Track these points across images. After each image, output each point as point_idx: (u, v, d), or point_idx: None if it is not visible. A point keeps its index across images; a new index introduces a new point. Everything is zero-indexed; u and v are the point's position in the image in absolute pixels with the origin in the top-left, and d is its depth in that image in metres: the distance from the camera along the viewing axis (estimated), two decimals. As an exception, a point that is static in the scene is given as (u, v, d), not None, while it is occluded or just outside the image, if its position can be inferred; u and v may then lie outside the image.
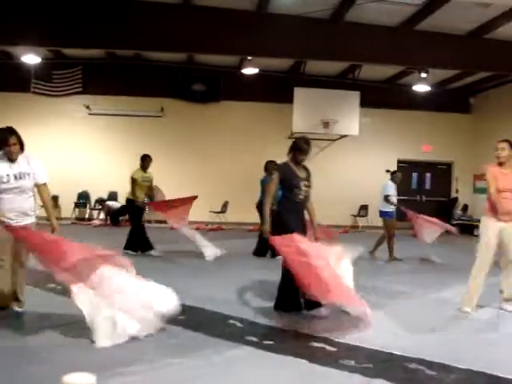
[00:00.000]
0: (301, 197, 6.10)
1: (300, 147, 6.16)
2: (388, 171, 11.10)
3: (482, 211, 6.69)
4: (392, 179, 10.81)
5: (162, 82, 17.28)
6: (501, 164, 6.48)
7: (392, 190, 10.65)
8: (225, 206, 16.47)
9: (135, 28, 11.65)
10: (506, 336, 5.55)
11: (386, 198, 10.52)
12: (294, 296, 5.89)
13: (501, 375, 4.27)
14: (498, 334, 5.63)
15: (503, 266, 6.39)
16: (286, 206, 6.16)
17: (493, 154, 6.61)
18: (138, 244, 10.18)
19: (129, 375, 4.04)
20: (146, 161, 10.31)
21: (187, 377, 4.13)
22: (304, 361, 4.46)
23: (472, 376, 4.28)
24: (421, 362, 4.51)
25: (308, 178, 6.22)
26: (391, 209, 10.64)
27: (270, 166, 9.70)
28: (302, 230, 6.03)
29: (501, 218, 6.28)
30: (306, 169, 6.30)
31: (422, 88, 15.80)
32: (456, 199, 18.45)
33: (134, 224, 10.39)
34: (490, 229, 6.34)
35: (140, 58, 16.70)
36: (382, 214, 10.76)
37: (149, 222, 16.95)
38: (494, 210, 6.33)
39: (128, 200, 10.46)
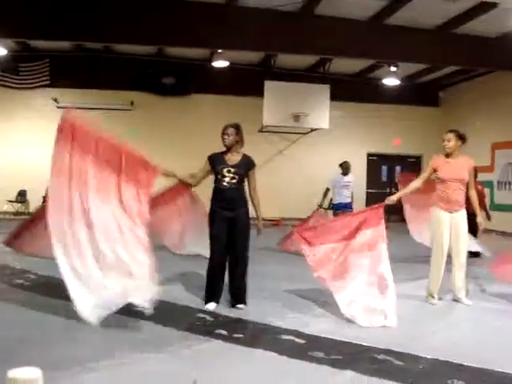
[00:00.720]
0: (224, 183, 5.94)
1: (222, 132, 6.10)
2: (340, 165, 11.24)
3: (432, 202, 6.81)
4: (342, 171, 11.03)
5: (132, 75, 17.10)
6: (448, 155, 6.61)
7: (338, 181, 10.92)
8: (195, 199, 16.43)
9: (104, 20, 11.50)
10: (471, 325, 5.63)
11: (326, 190, 10.94)
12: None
13: (465, 363, 4.34)
14: (464, 323, 5.71)
15: (454, 256, 6.50)
16: (213, 195, 6.08)
17: (460, 146, 6.72)
18: None
19: (99, 370, 4.00)
20: None
21: (157, 371, 4.11)
22: (273, 353, 4.46)
23: (438, 365, 4.34)
24: (389, 352, 4.56)
25: (239, 166, 6.01)
26: (347, 200, 10.88)
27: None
28: (230, 220, 5.94)
29: (448, 207, 6.47)
30: (245, 157, 6.13)
31: (391, 82, 15.95)
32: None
33: None
34: (441, 218, 6.49)
35: (109, 51, 16.50)
36: (342, 206, 10.89)
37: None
38: (443, 200, 6.49)
39: None
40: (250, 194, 6.19)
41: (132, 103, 17.41)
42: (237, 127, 6.12)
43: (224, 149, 6.09)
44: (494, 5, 10.63)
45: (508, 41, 13.10)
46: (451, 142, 6.59)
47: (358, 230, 5.99)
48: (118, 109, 17.25)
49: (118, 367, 4.11)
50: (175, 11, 11.81)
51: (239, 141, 6.12)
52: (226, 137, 6.03)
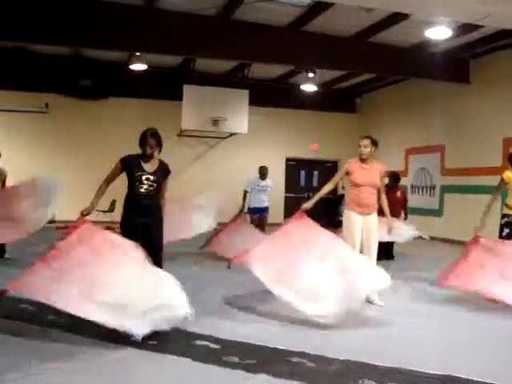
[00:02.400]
0: (142, 190, 5.89)
1: (141, 139, 6.02)
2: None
3: (345, 205, 6.99)
4: (260, 175, 11.27)
5: (46, 76, 16.53)
6: (363, 160, 6.80)
7: (256, 184, 11.14)
8: (112, 204, 16.07)
9: (17, 18, 11.08)
10: (383, 326, 5.75)
11: (244, 192, 11.15)
12: None
13: (377, 363, 4.44)
14: (376, 324, 5.83)
15: (366, 254, 6.67)
16: (127, 200, 6.04)
17: (374, 152, 6.90)
18: None
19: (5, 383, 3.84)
20: None
21: (66, 381, 3.98)
22: (186, 359, 4.43)
23: (351, 366, 4.42)
24: (303, 355, 4.61)
25: (157, 174, 5.99)
26: (264, 205, 11.14)
27: None
28: (144, 226, 5.90)
29: (360, 210, 6.71)
30: (162, 164, 6.10)
31: (309, 88, 16.20)
32: (343, 196, 18.96)
33: None
34: (353, 220, 6.70)
35: (21, 51, 15.91)
36: (259, 210, 11.02)
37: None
38: (356, 204, 6.68)
39: None
40: (159, 200, 6.14)
41: (47, 105, 16.89)
42: (158, 136, 6.05)
43: (139, 151, 6.00)
44: (406, 16, 10.97)
45: (421, 50, 13.60)
46: (367, 148, 6.78)
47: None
48: (31, 111, 16.67)
49: (25, 379, 3.96)
50: (93, 11, 11.50)
51: (159, 147, 6.08)
52: (148, 148, 5.96)
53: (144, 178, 5.88)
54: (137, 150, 6.06)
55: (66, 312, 4.67)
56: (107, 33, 11.71)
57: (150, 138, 5.97)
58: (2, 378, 3.93)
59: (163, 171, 6.08)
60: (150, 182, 5.91)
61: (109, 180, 6.06)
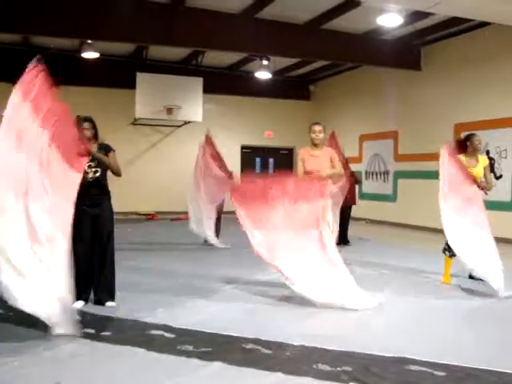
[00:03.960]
0: (88, 179, 5.70)
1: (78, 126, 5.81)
2: None
3: None
4: None
5: (-4, 64, 16.15)
6: (316, 145, 6.83)
7: None
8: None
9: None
10: (335, 311, 5.76)
11: None
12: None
13: (330, 348, 4.49)
14: (327, 310, 5.81)
15: None
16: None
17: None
18: None
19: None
20: None
21: (17, 375, 3.91)
22: (141, 349, 4.40)
23: (305, 351, 4.46)
24: (257, 341, 4.63)
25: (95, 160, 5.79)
26: None
27: None
28: (94, 217, 5.79)
29: None
30: (100, 146, 5.93)
31: (263, 75, 16.20)
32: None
33: None
34: None
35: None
36: None
37: None
38: None
39: None
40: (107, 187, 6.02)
41: (-4, 94, 16.48)
42: (91, 120, 5.97)
43: None
44: (359, 3, 11.02)
45: (373, 37, 13.72)
46: (322, 133, 6.81)
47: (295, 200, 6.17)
48: (-20, 101, 16.26)
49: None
50: (41, -1, 11.28)
51: (96, 133, 5.98)
52: (85, 131, 5.81)
53: (86, 166, 5.65)
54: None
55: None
56: (58, 20, 11.44)
57: (84, 123, 5.86)
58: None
59: (104, 151, 5.91)
60: (93, 169, 5.77)
61: None
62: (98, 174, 5.81)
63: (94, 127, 5.96)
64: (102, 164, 5.83)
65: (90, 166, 5.74)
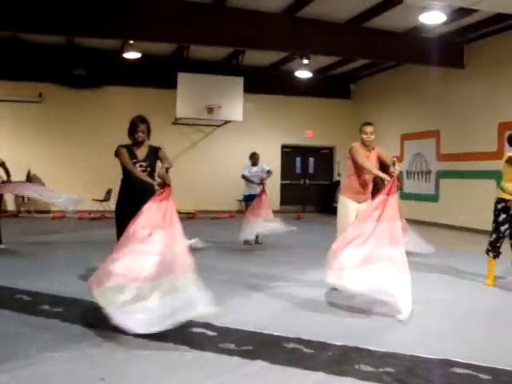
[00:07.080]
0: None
1: (130, 126, 6.09)
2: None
3: (340, 191, 6.96)
4: (251, 162, 11.12)
5: (40, 65, 16.42)
6: (367, 147, 6.76)
7: (247, 169, 11.00)
8: (108, 193, 16.04)
9: (10, 8, 10.97)
10: (382, 312, 5.74)
11: (242, 177, 10.98)
12: None
13: (373, 348, 4.44)
14: (367, 309, 5.77)
15: None
16: (124, 187, 6.15)
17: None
18: None
19: (2, 373, 3.82)
20: None
21: (65, 370, 3.97)
22: (184, 347, 4.42)
23: (347, 351, 4.42)
24: (299, 341, 4.60)
25: (148, 159, 6.09)
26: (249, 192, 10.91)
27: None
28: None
29: (358, 197, 6.69)
30: (151, 148, 6.15)
31: (304, 74, 16.18)
32: (338, 182, 19.01)
33: None
34: (349, 207, 6.65)
35: (15, 40, 15.79)
36: (253, 197, 10.80)
37: (28, 212, 16.34)
38: (351, 190, 6.66)
39: None
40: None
41: (40, 95, 16.81)
42: (147, 122, 6.13)
43: (129, 141, 6.09)
44: (401, 1, 10.89)
45: (415, 35, 13.56)
46: (373, 135, 6.74)
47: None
48: (25, 101, 16.60)
49: (23, 369, 3.93)
50: (85, 0, 11.45)
51: (148, 134, 6.20)
52: (140, 134, 6.04)
53: (137, 165, 6.00)
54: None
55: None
56: (100, 21, 11.63)
57: (141, 124, 6.04)
58: (3, 367, 3.93)
59: (154, 153, 6.14)
60: (142, 169, 6.02)
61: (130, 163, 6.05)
62: (146, 174, 6.02)
63: (148, 129, 6.12)
64: (151, 165, 6.08)
65: (140, 166, 6.00)
